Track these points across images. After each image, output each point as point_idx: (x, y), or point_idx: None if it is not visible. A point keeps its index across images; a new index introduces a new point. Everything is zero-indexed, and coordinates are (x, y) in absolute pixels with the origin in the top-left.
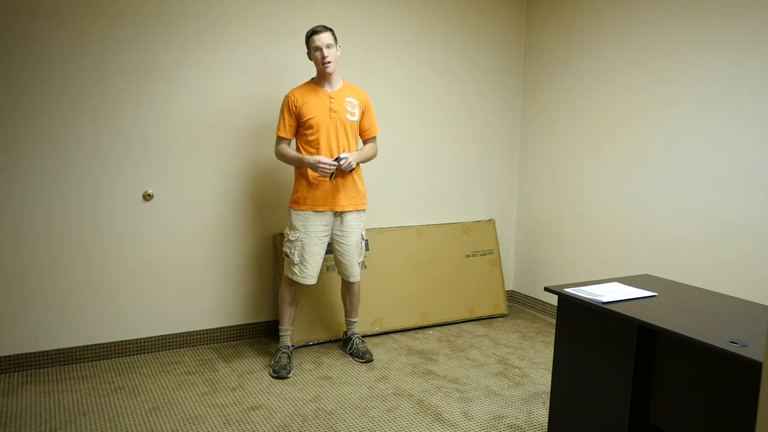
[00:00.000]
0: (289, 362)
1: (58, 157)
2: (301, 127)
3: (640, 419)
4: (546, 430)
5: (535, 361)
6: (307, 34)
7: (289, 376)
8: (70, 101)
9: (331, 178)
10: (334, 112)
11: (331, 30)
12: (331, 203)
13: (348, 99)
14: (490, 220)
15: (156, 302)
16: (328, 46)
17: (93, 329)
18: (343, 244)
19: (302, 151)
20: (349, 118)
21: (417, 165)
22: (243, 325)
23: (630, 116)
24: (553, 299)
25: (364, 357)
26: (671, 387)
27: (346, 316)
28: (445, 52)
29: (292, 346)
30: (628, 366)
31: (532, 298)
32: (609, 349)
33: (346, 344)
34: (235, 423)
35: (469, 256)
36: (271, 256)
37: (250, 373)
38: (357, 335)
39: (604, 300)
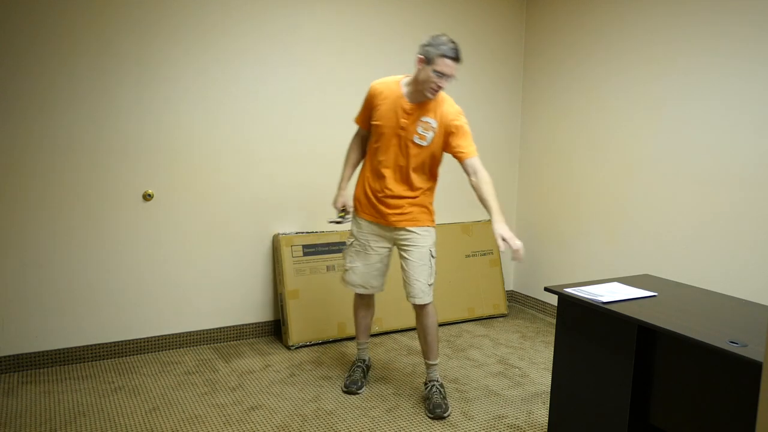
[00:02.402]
0: (363, 377)
1: (58, 157)
2: (371, 127)
3: (640, 419)
4: (546, 430)
5: (535, 361)
6: (440, 47)
7: (359, 392)
8: (69, 101)
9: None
10: (403, 129)
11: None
12: (379, 216)
13: (424, 119)
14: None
15: (156, 302)
16: (449, 78)
17: (93, 329)
18: (407, 258)
19: (367, 156)
20: (417, 141)
21: None
22: (243, 325)
23: (630, 116)
24: (553, 299)
25: (433, 412)
26: (671, 387)
27: (423, 357)
28: None
29: (292, 346)
30: (628, 366)
31: (532, 298)
32: (609, 349)
33: (427, 392)
34: (235, 423)
35: (469, 256)
36: (271, 256)
37: (250, 373)
38: (434, 382)
39: (605, 300)
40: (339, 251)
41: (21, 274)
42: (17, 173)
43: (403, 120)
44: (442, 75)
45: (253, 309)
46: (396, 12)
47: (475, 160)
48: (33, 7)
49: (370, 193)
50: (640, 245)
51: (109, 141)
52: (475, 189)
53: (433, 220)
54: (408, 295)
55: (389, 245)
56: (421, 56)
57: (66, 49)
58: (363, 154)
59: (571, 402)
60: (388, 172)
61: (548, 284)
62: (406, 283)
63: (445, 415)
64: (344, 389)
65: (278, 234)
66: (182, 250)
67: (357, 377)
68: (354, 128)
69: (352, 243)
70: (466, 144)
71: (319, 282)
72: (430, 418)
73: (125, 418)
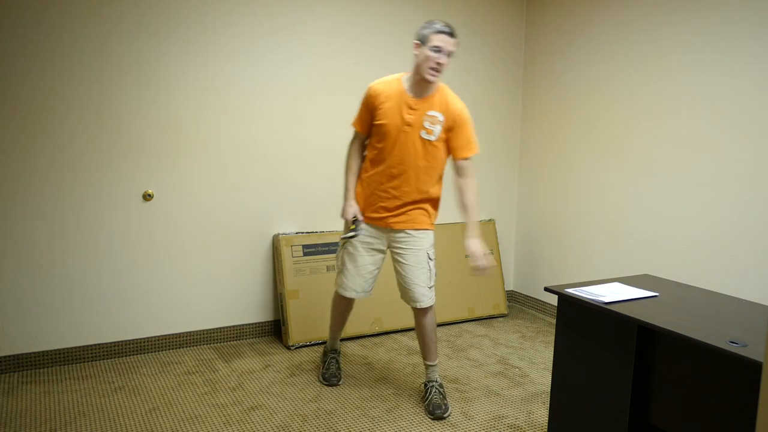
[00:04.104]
0: (339, 369)
1: (58, 157)
2: (373, 128)
3: (640, 419)
4: (546, 430)
5: (535, 361)
6: (432, 26)
7: (339, 383)
8: (69, 101)
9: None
10: (409, 125)
11: (457, 38)
12: (378, 218)
13: (431, 113)
14: (490, 220)
15: (156, 302)
16: (449, 54)
17: (93, 329)
18: (404, 263)
19: (367, 158)
20: (424, 136)
21: None
22: (243, 325)
23: (630, 115)
24: (553, 299)
25: (433, 413)
26: (671, 387)
27: (422, 358)
28: None
29: (292, 346)
30: (628, 366)
31: (532, 298)
32: (609, 349)
33: (426, 393)
34: (235, 423)
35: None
36: (271, 256)
37: (250, 373)
38: (433, 383)
39: (606, 300)
40: None
41: (21, 275)
42: (17, 173)
43: (408, 116)
44: (439, 50)
45: (253, 309)
46: (396, 12)
47: (469, 163)
48: (33, 7)
49: (370, 195)
50: (640, 245)
51: (109, 141)
52: (460, 191)
53: (432, 224)
54: (409, 300)
55: (384, 248)
56: (417, 41)
57: (66, 48)
58: (362, 159)
59: (571, 402)
60: (394, 172)
61: (548, 284)
62: (404, 287)
63: (445, 415)
64: (324, 383)
65: (278, 234)
66: (182, 250)
67: (334, 369)
68: (350, 133)
69: (345, 246)
70: (467, 142)
71: (319, 282)
72: (430, 418)
73: (125, 418)
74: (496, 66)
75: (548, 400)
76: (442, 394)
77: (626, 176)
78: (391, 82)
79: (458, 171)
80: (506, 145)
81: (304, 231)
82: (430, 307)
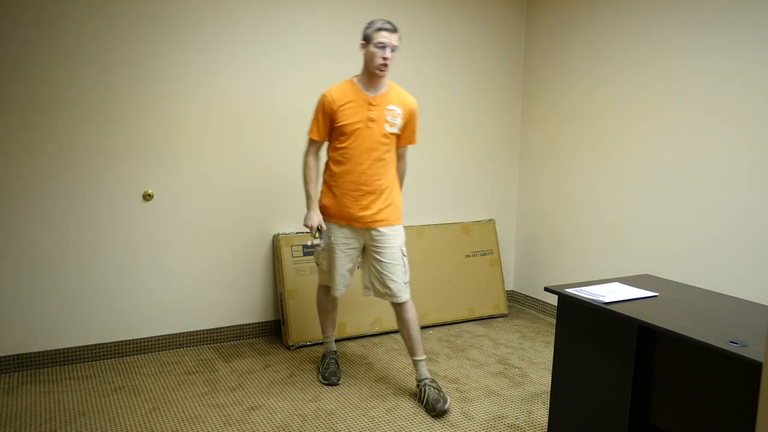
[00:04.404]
0: (338, 368)
1: (58, 157)
2: (334, 131)
3: (640, 419)
4: (546, 430)
5: (535, 361)
6: (374, 25)
7: (339, 382)
8: (70, 102)
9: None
10: (372, 121)
11: (399, 33)
12: (352, 218)
13: (390, 107)
14: (490, 220)
15: (156, 302)
16: (392, 49)
17: (93, 329)
18: (381, 261)
19: (330, 161)
20: (388, 129)
21: (417, 165)
22: (243, 325)
23: (630, 115)
24: (553, 299)
25: (434, 408)
26: (671, 387)
27: (410, 355)
28: (444, 52)
29: (292, 346)
30: (628, 366)
31: (532, 298)
32: (609, 349)
33: (419, 394)
34: (235, 423)
35: (469, 256)
36: (271, 256)
37: (250, 373)
38: (427, 380)
39: (606, 300)
40: None
41: (21, 274)
42: (17, 173)
43: (371, 112)
44: (384, 46)
45: (253, 309)
46: (396, 12)
47: (408, 149)
48: (33, 8)
49: (341, 196)
50: (640, 245)
51: (109, 141)
52: (398, 171)
53: (401, 218)
54: (387, 296)
55: (359, 246)
56: (362, 42)
57: (67, 49)
58: (322, 167)
59: (571, 402)
60: (362, 167)
61: (548, 284)
62: (380, 284)
63: (446, 407)
64: (324, 381)
65: (278, 234)
66: (182, 250)
67: (334, 368)
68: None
69: (323, 248)
70: (413, 132)
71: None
72: (432, 416)
73: (125, 418)
74: (496, 66)
75: (548, 400)
76: (437, 388)
77: (626, 176)
78: (343, 85)
79: (398, 156)
80: (506, 145)
81: (305, 231)
82: (409, 300)
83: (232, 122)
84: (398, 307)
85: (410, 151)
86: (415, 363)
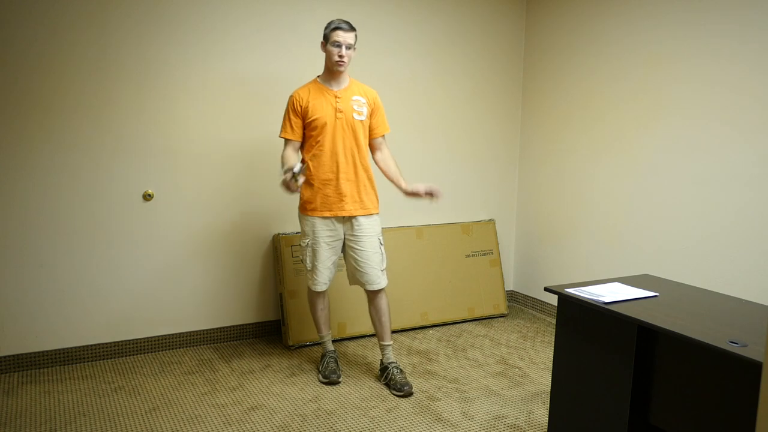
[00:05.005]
0: (338, 366)
1: (59, 157)
2: (307, 128)
3: (640, 419)
4: (546, 430)
5: (535, 361)
6: (330, 25)
7: (339, 380)
8: (71, 102)
9: (296, 183)
10: (340, 112)
11: (355, 31)
12: (336, 208)
13: (355, 98)
14: (490, 220)
15: (156, 302)
16: (348, 47)
17: (93, 329)
18: (358, 249)
19: (308, 159)
20: (356, 117)
21: (417, 165)
22: (243, 325)
23: (630, 116)
24: (553, 299)
25: (402, 390)
26: (671, 387)
27: (378, 339)
28: (444, 52)
29: (292, 346)
30: (628, 366)
31: (532, 298)
32: (609, 349)
33: (382, 374)
34: (235, 423)
35: (469, 256)
36: (271, 256)
37: (250, 373)
38: (394, 363)
39: (606, 300)
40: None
41: (21, 274)
42: (18, 173)
43: (337, 104)
44: (340, 44)
45: (253, 309)
46: (396, 12)
47: (384, 138)
48: (34, 9)
49: (321, 189)
50: (640, 245)
51: (109, 141)
52: (385, 162)
53: (378, 207)
54: (364, 283)
55: (341, 238)
56: (322, 41)
57: (67, 50)
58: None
59: (571, 402)
60: (338, 158)
61: (548, 284)
62: (358, 271)
63: (412, 390)
64: (324, 380)
65: (278, 234)
66: (182, 250)
67: (333, 367)
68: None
69: (307, 244)
70: (383, 121)
71: None
72: (398, 396)
73: (125, 418)
74: (496, 66)
75: (548, 400)
76: (402, 372)
77: (626, 176)
78: (309, 85)
79: (378, 147)
80: (506, 145)
81: None
82: (384, 288)
83: (231, 122)
84: (373, 294)
85: (410, 151)
86: (383, 347)
